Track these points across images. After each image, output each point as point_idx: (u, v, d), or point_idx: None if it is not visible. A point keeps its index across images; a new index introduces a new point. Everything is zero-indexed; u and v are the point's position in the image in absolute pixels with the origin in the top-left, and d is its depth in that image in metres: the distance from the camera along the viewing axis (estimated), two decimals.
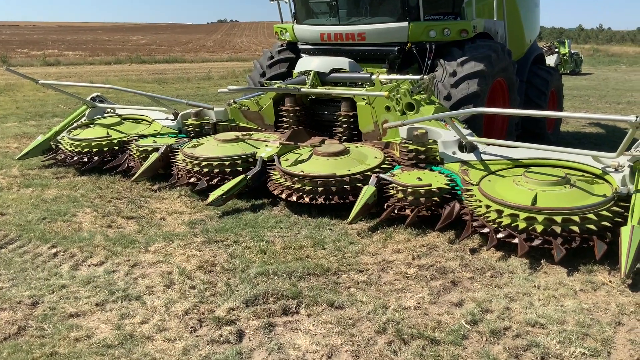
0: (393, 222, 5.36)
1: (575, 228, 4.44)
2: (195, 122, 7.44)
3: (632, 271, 3.99)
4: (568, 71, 29.67)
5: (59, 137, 7.86)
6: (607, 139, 10.68)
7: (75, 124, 8.06)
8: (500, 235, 4.63)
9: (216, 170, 6.32)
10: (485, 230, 4.81)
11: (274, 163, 6.21)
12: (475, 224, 4.90)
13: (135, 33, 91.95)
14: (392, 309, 3.76)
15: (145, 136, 7.49)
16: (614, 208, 4.54)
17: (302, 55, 8.19)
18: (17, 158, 7.89)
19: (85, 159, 7.34)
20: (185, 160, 6.55)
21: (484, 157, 5.57)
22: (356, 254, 4.72)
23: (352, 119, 6.75)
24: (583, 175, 5.06)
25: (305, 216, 5.75)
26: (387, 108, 6.39)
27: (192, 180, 6.42)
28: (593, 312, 3.70)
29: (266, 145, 6.53)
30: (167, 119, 7.86)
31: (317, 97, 7.08)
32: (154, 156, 6.81)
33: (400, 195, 5.34)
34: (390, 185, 5.45)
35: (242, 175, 6.06)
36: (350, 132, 6.81)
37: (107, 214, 5.80)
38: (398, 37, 7.31)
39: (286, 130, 7.09)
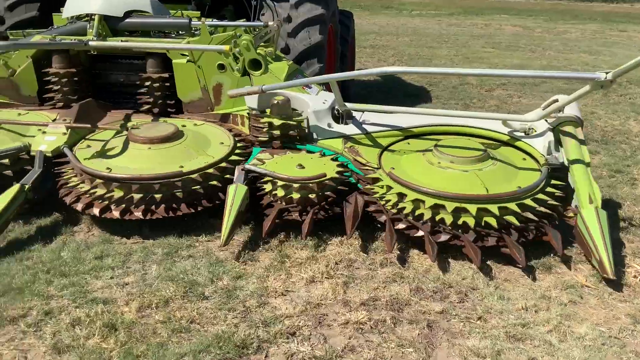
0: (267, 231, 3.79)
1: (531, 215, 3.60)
2: None
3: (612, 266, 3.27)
4: None
5: None
6: (395, 89, 10.36)
7: None
8: (443, 238, 3.52)
9: None
10: (402, 226, 3.65)
11: (66, 159, 4.05)
12: (397, 223, 3.68)
13: None
14: None
15: None
16: (549, 188, 3.78)
17: None
18: None
19: None
20: None
21: (367, 128, 4.34)
22: (261, 299, 3.12)
23: (165, 84, 4.79)
24: (493, 144, 4.22)
25: (137, 237, 3.83)
26: (221, 67, 4.63)
27: None
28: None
29: (43, 132, 4.23)
30: None
31: (102, 52, 4.88)
32: None
33: (282, 193, 3.80)
34: (267, 181, 3.86)
35: (17, 185, 3.76)
36: (164, 101, 4.86)
37: None
38: None
39: (59, 104, 4.82)
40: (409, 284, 3.28)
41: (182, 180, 3.83)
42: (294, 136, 4.33)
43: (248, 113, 4.51)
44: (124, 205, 3.81)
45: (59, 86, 4.79)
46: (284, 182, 3.74)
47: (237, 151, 4.23)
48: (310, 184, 3.73)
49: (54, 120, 4.52)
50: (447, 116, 4.40)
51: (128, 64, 4.96)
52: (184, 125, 4.39)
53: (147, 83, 4.76)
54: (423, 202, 3.60)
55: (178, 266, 3.45)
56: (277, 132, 4.28)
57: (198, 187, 3.89)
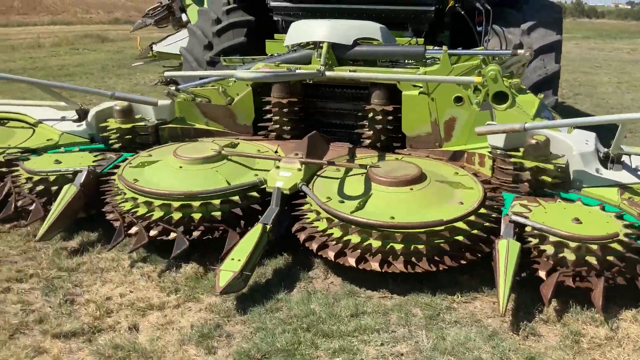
0: (538, 296, 3.18)
1: None
2: (124, 126, 4.49)
3: None
4: None
5: None
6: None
7: None
8: None
9: (203, 216, 3.64)
10: None
11: (306, 198, 3.73)
12: None
13: None
14: None
15: (34, 150, 4.40)
16: None
17: (277, 17, 5.52)
18: None
19: None
20: (137, 197, 3.72)
21: None
22: None
23: (391, 116, 4.38)
24: None
25: (383, 290, 3.39)
26: (458, 99, 4.15)
27: (157, 235, 3.64)
28: None
29: (277, 167, 3.93)
30: (64, 118, 4.76)
31: (320, 81, 4.56)
32: (69, 192, 3.82)
33: (573, 257, 3.16)
34: (549, 241, 3.25)
35: (259, 225, 3.45)
36: (388, 135, 4.45)
37: None
38: None
39: (273, 135, 4.58)
40: None
41: (427, 232, 3.33)
42: (555, 183, 3.73)
43: (490, 152, 3.98)
44: (359, 252, 3.40)
45: (278, 116, 4.54)
46: (577, 243, 3.12)
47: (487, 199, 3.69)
48: (611, 245, 3.10)
49: (276, 152, 4.27)
50: None
51: (346, 93, 4.63)
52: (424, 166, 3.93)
53: (370, 115, 4.38)
54: None
55: (450, 335, 2.94)
56: (535, 177, 3.71)
57: (443, 241, 3.38)
